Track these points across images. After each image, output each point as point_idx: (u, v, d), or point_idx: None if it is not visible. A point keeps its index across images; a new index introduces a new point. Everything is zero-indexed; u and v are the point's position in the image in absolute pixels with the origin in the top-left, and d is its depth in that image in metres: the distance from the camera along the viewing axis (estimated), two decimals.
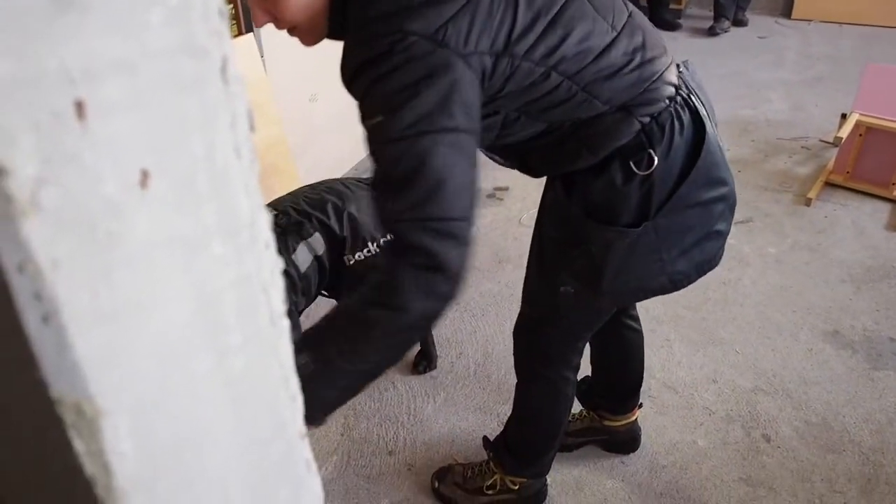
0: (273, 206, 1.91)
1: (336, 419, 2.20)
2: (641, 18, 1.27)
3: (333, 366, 1.06)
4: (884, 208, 3.16)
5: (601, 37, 1.16)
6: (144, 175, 0.28)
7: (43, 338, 0.27)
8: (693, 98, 1.28)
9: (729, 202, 1.36)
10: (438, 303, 1.06)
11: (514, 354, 1.72)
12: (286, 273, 1.80)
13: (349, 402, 2.22)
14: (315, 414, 1.08)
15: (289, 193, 2.00)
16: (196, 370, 0.33)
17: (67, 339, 0.27)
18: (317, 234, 1.86)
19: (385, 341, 1.08)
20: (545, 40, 1.10)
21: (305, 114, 2.99)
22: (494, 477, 1.89)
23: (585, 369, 1.92)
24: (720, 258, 1.41)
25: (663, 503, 1.92)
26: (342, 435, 2.15)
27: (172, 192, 0.29)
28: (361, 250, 1.92)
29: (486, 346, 2.46)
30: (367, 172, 3.43)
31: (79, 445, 0.30)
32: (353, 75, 1.06)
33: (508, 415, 1.83)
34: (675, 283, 1.36)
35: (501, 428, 1.88)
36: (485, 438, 1.93)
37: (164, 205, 0.29)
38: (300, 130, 2.94)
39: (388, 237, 1.06)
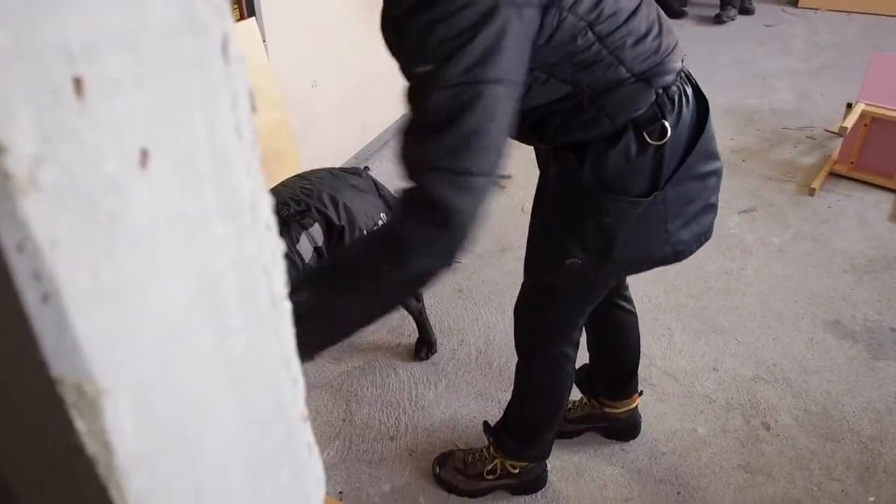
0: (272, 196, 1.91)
1: (338, 405, 2.21)
2: None
3: (331, 309, 1.07)
4: (887, 199, 3.15)
5: (624, 2, 1.19)
6: (144, 154, 0.28)
7: (43, 318, 0.27)
8: (691, 74, 1.32)
9: (720, 176, 1.41)
10: (441, 260, 1.05)
11: (515, 332, 1.72)
12: (292, 262, 1.80)
13: (351, 388, 2.23)
14: (307, 350, 1.08)
15: (281, 184, 2.00)
16: (197, 350, 0.33)
17: (68, 318, 0.27)
18: (316, 225, 1.86)
19: (384, 292, 1.09)
20: None
21: (307, 100, 2.98)
22: (495, 462, 1.90)
23: (583, 357, 1.92)
24: (712, 231, 1.46)
25: (662, 489, 1.93)
26: (344, 420, 2.16)
27: (173, 171, 0.29)
28: None
29: (488, 333, 2.46)
30: (368, 160, 3.42)
31: (80, 425, 0.30)
32: (408, 14, 1.02)
33: (509, 400, 1.84)
34: (678, 254, 1.40)
35: (502, 414, 1.88)
36: (485, 423, 1.93)
37: (164, 184, 0.29)
38: (302, 116, 2.93)
39: (406, 186, 1.04)
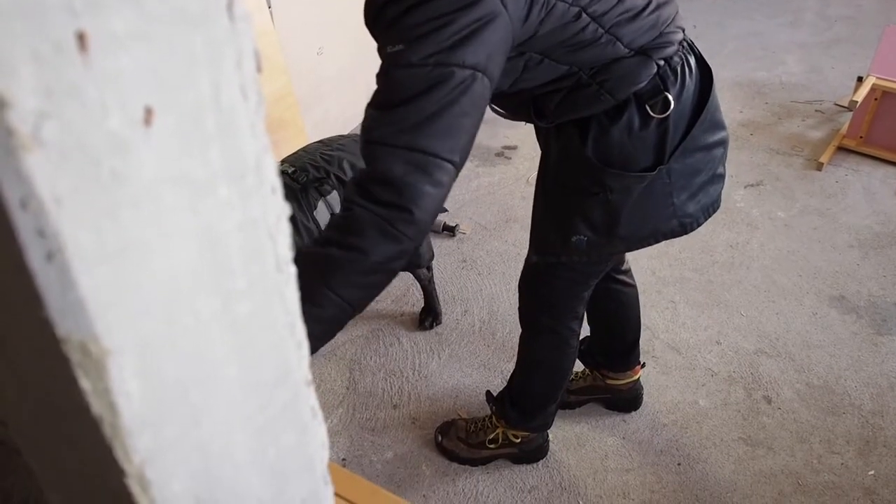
0: (291, 162, 1.89)
1: (341, 373, 2.23)
2: None
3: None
4: (895, 174, 3.13)
5: None
6: (148, 112, 0.27)
7: (47, 275, 0.27)
8: (694, 44, 1.31)
9: (726, 146, 1.39)
10: (397, 246, 1.00)
11: (520, 307, 1.72)
12: (307, 229, 1.79)
13: (355, 356, 2.24)
14: None
15: (302, 149, 1.98)
16: (202, 312, 0.33)
17: (72, 276, 0.27)
18: (335, 193, 1.85)
19: (347, 283, 1.01)
20: None
21: (313, 67, 2.96)
22: (497, 431, 1.91)
23: (585, 329, 1.93)
24: (720, 202, 1.45)
25: (663, 461, 1.95)
26: (347, 388, 2.18)
27: (177, 131, 0.29)
28: None
29: (492, 304, 2.47)
30: None
31: (85, 384, 0.30)
32: (388, 1, 1.02)
33: (513, 371, 1.85)
34: (685, 227, 1.39)
35: (505, 383, 1.89)
36: (488, 393, 1.94)
37: (168, 144, 0.29)
38: (307, 84, 2.91)
39: (362, 168, 1.02)
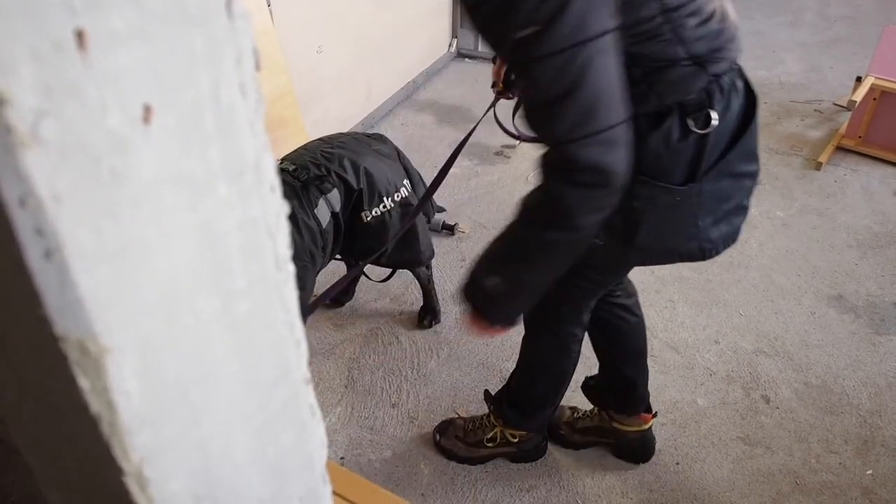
0: (291, 160, 1.89)
1: (340, 372, 2.23)
2: None
3: (522, 283, 1.22)
4: (894, 174, 3.13)
5: None
6: (148, 110, 0.27)
7: (45, 274, 0.27)
8: (743, 70, 1.28)
9: (755, 180, 1.35)
10: (607, 211, 1.11)
11: (526, 314, 1.69)
12: (308, 227, 1.79)
13: (354, 355, 2.24)
14: (509, 319, 1.35)
15: (303, 147, 1.98)
16: (201, 311, 0.33)
17: (70, 275, 0.27)
18: (335, 191, 1.85)
19: (564, 254, 1.19)
20: None
21: (312, 66, 2.95)
22: (495, 430, 1.91)
23: (593, 367, 1.91)
24: (739, 234, 1.41)
25: (661, 459, 1.95)
26: (346, 387, 2.18)
27: (177, 129, 0.29)
28: (378, 206, 1.91)
29: None
30: (374, 128, 3.40)
31: (83, 383, 0.30)
32: None
33: (511, 370, 1.84)
34: (704, 252, 1.35)
35: (503, 382, 1.89)
36: (486, 392, 1.94)
37: (167, 142, 0.29)
38: (307, 83, 2.91)
39: (546, 152, 1.08)
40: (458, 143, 1.72)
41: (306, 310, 1.67)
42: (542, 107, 1.02)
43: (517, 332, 1.76)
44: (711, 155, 1.23)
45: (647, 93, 1.18)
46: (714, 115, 1.19)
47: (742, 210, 1.37)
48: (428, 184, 2.20)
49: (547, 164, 1.08)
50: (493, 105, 1.65)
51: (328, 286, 1.71)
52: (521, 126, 1.51)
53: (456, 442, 1.96)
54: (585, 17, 0.95)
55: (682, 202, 1.26)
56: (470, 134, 1.69)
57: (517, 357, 1.81)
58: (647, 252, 1.36)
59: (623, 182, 1.07)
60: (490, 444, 1.92)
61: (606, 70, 1.00)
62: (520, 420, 1.86)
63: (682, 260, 1.38)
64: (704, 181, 1.25)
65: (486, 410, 1.95)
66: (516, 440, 1.90)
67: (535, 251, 1.19)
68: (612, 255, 1.39)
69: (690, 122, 1.20)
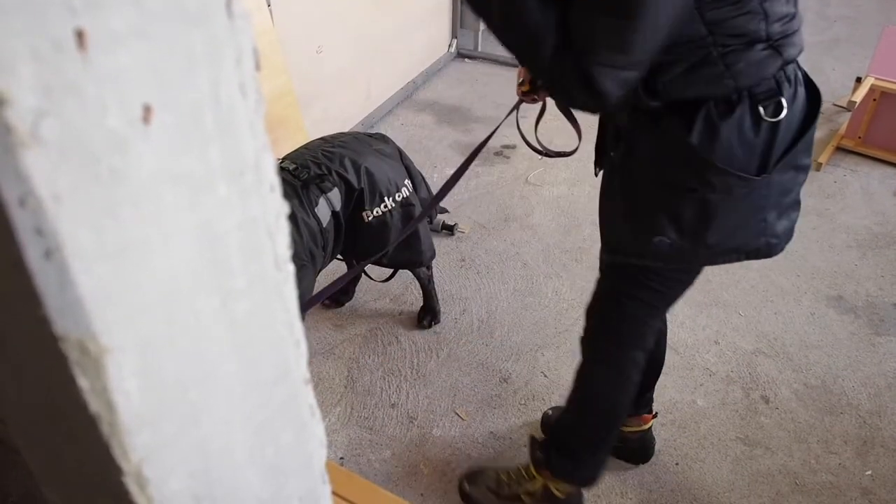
0: (292, 159, 1.89)
1: (340, 371, 2.23)
2: None
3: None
4: (894, 174, 3.13)
5: None
6: (147, 110, 0.27)
7: (45, 274, 0.27)
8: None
9: (807, 174, 1.32)
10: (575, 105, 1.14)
11: (585, 333, 1.62)
12: (308, 226, 1.79)
13: (353, 355, 2.23)
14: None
15: (304, 147, 1.98)
16: (201, 311, 0.33)
17: (70, 275, 0.27)
18: (335, 190, 1.85)
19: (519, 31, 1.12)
20: None
21: (312, 66, 2.95)
22: (537, 483, 1.76)
23: None
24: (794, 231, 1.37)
25: (661, 460, 1.95)
26: (346, 387, 2.18)
27: (176, 129, 0.29)
28: (379, 206, 1.91)
29: (490, 303, 2.47)
30: (373, 128, 3.40)
31: (83, 383, 0.30)
32: None
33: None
34: (771, 248, 1.32)
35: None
36: (532, 439, 1.79)
37: (167, 142, 0.29)
38: (307, 82, 2.91)
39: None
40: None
41: (303, 307, 1.66)
42: (593, 24, 1.04)
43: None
44: (781, 145, 1.21)
45: (723, 74, 1.16)
46: (784, 103, 1.18)
47: (797, 205, 1.33)
48: (429, 184, 2.20)
49: (572, 59, 1.07)
50: (515, 108, 1.56)
51: (327, 285, 1.71)
52: (543, 139, 1.47)
53: (487, 493, 1.81)
54: None
55: (753, 195, 1.23)
56: (488, 139, 1.63)
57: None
58: (716, 250, 1.31)
59: (603, 99, 1.09)
60: (527, 498, 1.75)
61: (668, 14, 1.02)
62: (571, 469, 1.70)
63: (749, 257, 1.33)
64: (774, 173, 1.22)
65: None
66: (563, 497, 1.73)
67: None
68: (677, 254, 1.33)
69: (761, 110, 1.18)
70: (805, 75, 1.26)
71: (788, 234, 1.34)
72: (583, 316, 1.62)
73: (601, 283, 1.54)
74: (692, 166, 1.22)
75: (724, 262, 1.35)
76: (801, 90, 1.22)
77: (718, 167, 1.20)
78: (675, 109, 1.21)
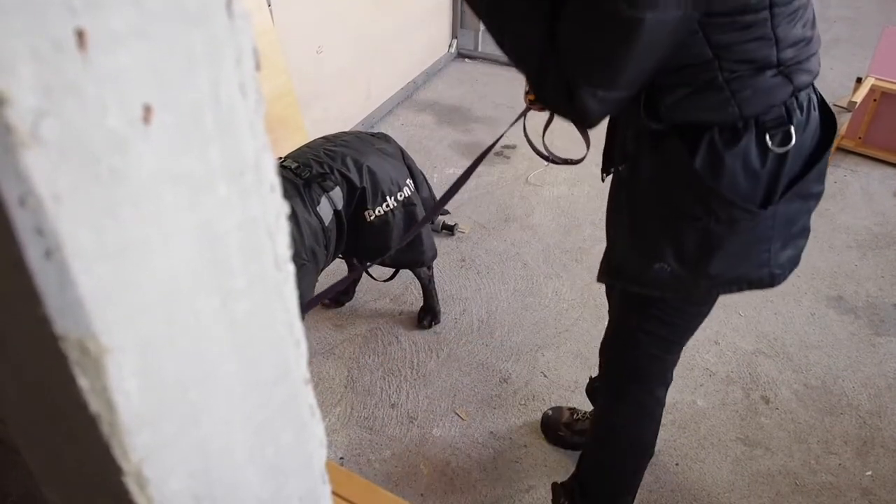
0: (294, 158, 1.89)
1: (340, 371, 2.23)
2: None
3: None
4: (894, 175, 3.13)
5: None
6: (147, 110, 0.27)
7: (45, 273, 0.27)
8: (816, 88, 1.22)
9: (819, 201, 1.27)
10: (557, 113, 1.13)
11: (603, 371, 1.58)
12: (309, 225, 1.79)
13: (353, 355, 2.23)
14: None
15: (306, 146, 1.98)
16: (201, 311, 0.33)
17: (70, 275, 0.27)
18: (337, 189, 1.85)
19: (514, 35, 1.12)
20: None
21: (313, 66, 2.95)
22: None
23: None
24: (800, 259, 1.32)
25: (661, 460, 1.95)
26: (346, 387, 2.18)
27: (176, 129, 0.29)
28: (381, 205, 1.91)
29: (490, 303, 2.47)
30: (373, 128, 3.40)
31: (83, 382, 0.30)
32: None
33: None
34: (774, 278, 1.26)
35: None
36: (554, 485, 1.79)
37: (167, 142, 0.29)
38: (307, 83, 2.91)
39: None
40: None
41: (303, 308, 1.66)
42: (578, 45, 1.03)
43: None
44: (788, 174, 1.16)
45: (728, 101, 1.10)
46: (793, 132, 1.13)
47: (805, 232, 1.28)
48: (430, 184, 2.20)
49: (560, 76, 1.06)
50: (522, 115, 1.53)
51: (328, 286, 1.70)
52: (550, 146, 1.43)
53: None
54: None
55: (758, 226, 1.18)
56: (492, 147, 1.58)
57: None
58: (717, 281, 1.26)
59: (587, 119, 1.09)
60: None
61: (657, 47, 1.00)
62: None
63: (750, 288, 1.28)
64: (780, 203, 1.17)
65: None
66: None
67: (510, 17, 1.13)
68: (677, 284, 1.28)
69: (768, 140, 1.12)
70: (820, 100, 1.21)
71: (793, 264, 1.29)
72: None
73: (612, 319, 1.51)
74: (696, 193, 1.17)
75: (724, 292, 1.31)
76: (815, 115, 1.18)
77: (723, 197, 1.15)
78: (678, 132, 1.17)
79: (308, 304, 1.63)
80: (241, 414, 0.38)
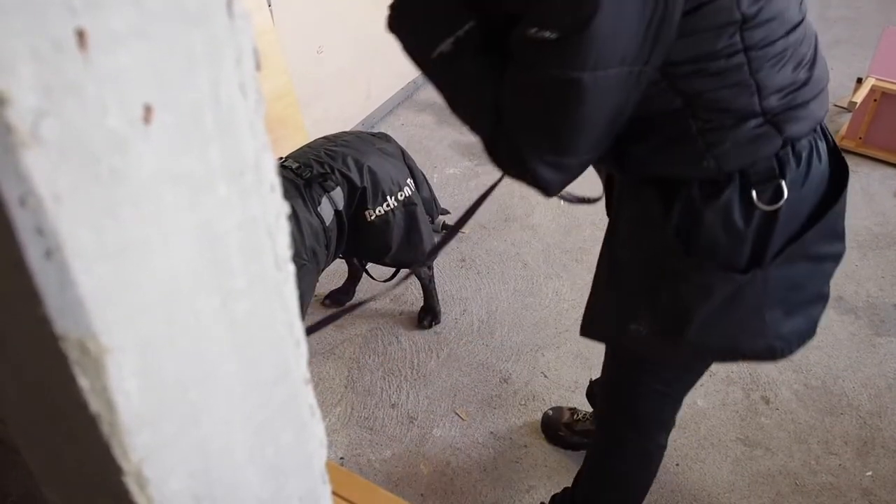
0: (295, 158, 1.90)
1: (340, 371, 2.23)
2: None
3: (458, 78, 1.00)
4: (894, 175, 3.13)
5: (793, 11, 0.93)
6: (148, 110, 0.27)
7: (45, 273, 0.27)
8: (827, 127, 1.07)
9: (839, 261, 1.11)
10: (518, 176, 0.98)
11: (601, 413, 1.51)
12: (310, 225, 1.80)
13: (353, 355, 2.23)
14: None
15: (307, 146, 1.99)
16: (201, 311, 0.33)
17: (70, 275, 0.27)
18: (338, 189, 1.86)
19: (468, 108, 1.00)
20: None
21: (313, 66, 2.95)
22: None
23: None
24: (817, 328, 1.17)
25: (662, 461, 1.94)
26: (346, 387, 2.18)
27: (177, 129, 0.29)
28: (381, 205, 1.92)
29: (490, 303, 2.47)
30: (374, 128, 3.40)
31: (83, 382, 0.30)
32: None
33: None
34: (774, 352, 1.13)
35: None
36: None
37: (167, 142, 0.29)
38: (307, 83, 2.91)
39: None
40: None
41: (304, 314, 1.66)
42: (520, 108, 0.90)
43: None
44: (783, 234, 1.01)
45: (703, 154, 0.96)
46: (785, 187, 0.98)
47: (821, 299, 1.14)
48: (430, 184, 2.20)
49: (509, 143, 0.93)
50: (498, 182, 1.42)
51: (330, 289, 1.71)
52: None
53: None
54: (616, 42, 0.80)
55: (744, 292, 1.04)
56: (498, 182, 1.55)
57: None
58: (702, 348, 1.13)
59: (548, 190, 0.96)
60: None
61: (604, 106, 0.86)
62: None
63: (747, 360, 1.17)
64: (772, 267, 1.02)
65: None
66: None
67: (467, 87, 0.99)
68: (657, 351, 1.18)
69: (754, 195, 0.98)
70: (832, 147, 1.06)
71: (803, 334, 1.14)
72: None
73: (605, 368, 1.41)
74: (666, 253, 1.05)
75: (716, 360, 1.21)
76: (820, 167, 1.01)
77: (694, 261, 1.03)
78: (656, 181, 1.05)
79: (309, 329, 1.62)
80: (241, 414, 0.38)
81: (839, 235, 1.08)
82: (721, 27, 0.86)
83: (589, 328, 1.26)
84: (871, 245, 2.71)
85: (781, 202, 0.98)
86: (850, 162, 3.21)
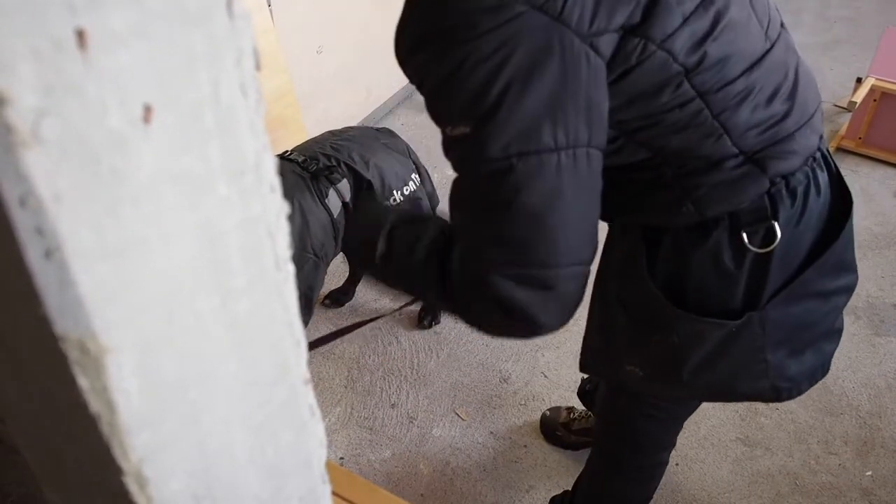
0: (301, 151, 1.92)
1: (340, 371, 2.23)
2: (792, 39, 0.97)
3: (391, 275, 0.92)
4: (894, 175, 3.13)
5: (754, 42, 0.86)
6: (148, 110, 0.27)
7: (45, 273, 0.27)
8: (829, 152, 0.99)
9: (850, 294, 1.05)
10: (514, 338, 0.89)
11: (600, 436, 1.45)
12: (318, 218, 1.81)
13: (353, 355, 2.23)
14: (386, 282, 0.98)
15: (312, 140, 2.00)
16: (201, 311, 0.33)
17: (70, 275, 0.27)
18: (344, 181, 1.87)
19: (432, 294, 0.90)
20: (692, 23, 0.78)
21: (313, 66, 2.96)
22: None
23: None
24: (830, 365, 1.11)
25: None
26: (346, 387, 2.18)
27: (177, 128, 0.29)
28: (388, 199, 1.93)
29: None
30: (376, 125, 3.40)
31: (83, 382, 0.30)
32: (415, 49, 0.75)
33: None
34: (779, 393, 1.05)
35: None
36: None
37: (168, 142, 0.29)
38: (307, 82, 2.91)
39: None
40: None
41: (310, 344, 1.66)
42: (470, 216, 0.79)
43: None
44: (779, 275, 0.95)
45: (681, 200, 0.90)
46: (778, 228, 0.91)
47: (834, 335, 1.07)
48: (433, 182, 2.21)
49: (469, 277, 0.80)
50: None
51: (329, 289, 1.70)
52: None
53: None
54: (540, 122, 0.71)
55: (739, 336, 0.98)
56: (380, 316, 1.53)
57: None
58: (701, 390, 1.09)
59: (550, 328, 0.83)
60: None
61: (559, 195, 0.74)
62: None
63: (750, 401, 1.11)
64: (770, 308, 0.96)
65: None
66: None
67: (411, 276, 0.90)
68: (655, 390, 1.14)
69: (745, 237, 0.92)
70: (832, 174, 0.99)
71: (815, 373, 1.07)
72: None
73: (605, 393, 1.37)
74: (651, 305, 1.00)
75: (716, 401, 1.15)
76: (820, 201, 0.95)
77: (681, 312, 0.97)
78: (639, 226, 1.00)
79: (312, 343, 1.60)
80: (240, 414, 0.38)
81: (847, 266, 1.02)
82: (661, 83, 0.80)
83: (586, 367, 1.24)
84: (871, 245, 2.71)
85: (775, 244, 0.92)
86: (850, 162, 3.22)
